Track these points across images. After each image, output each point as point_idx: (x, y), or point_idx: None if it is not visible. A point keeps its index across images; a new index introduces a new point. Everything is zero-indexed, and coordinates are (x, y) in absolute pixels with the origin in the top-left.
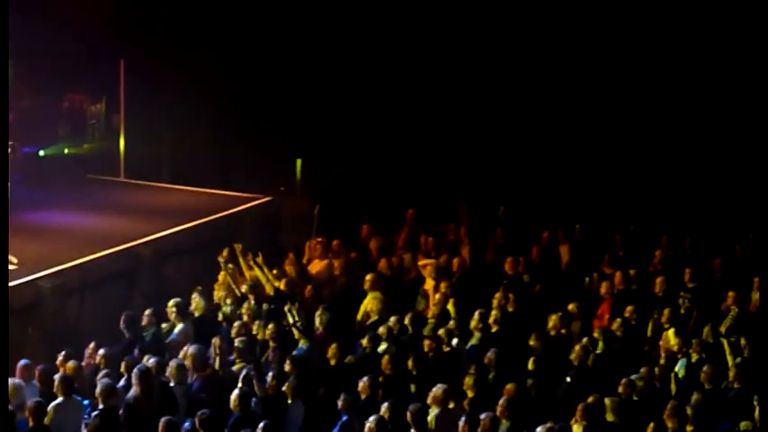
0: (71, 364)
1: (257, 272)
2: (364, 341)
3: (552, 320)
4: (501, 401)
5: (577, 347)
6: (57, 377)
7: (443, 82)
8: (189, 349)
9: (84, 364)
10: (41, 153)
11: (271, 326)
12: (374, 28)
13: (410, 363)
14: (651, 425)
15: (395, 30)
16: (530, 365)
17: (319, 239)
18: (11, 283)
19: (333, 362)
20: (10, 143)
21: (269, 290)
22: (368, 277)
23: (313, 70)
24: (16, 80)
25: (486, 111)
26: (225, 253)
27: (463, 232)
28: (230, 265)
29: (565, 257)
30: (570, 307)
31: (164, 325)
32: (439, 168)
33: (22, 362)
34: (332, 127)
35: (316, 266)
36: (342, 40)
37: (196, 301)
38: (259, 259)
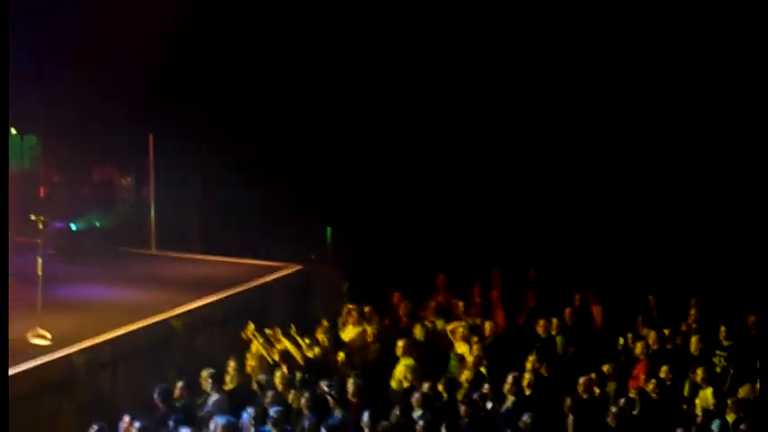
0: None
1: (287, 343)
2: (398, 409)
3: (582, 382)
4: None
5: (614, 409)
6: None
7: (471, 144)
8: (219, 420)
9: None
10: (73, 227)
11: (305, 394)
12: (403, 96)
13: (444, 428)
14: None
15: (424, 99)
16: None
17: (352, 306)
18: (45, 359)
19: (366, 431)
20: (41, 218)
21: (301, 359)
22: (400, 343)
23: (341, 138)
24: (45, 154)
25: (516, 173)
26: (251, 326)
27: (496, 296)
28: (260, 338)
29: (598, 319)
30: (605, 368)
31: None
32: (469, 232)
33: None
34: (361, 194)
35: (348, 333)
36: (369, 108)
37: (231, 372)
38: (292, 330)
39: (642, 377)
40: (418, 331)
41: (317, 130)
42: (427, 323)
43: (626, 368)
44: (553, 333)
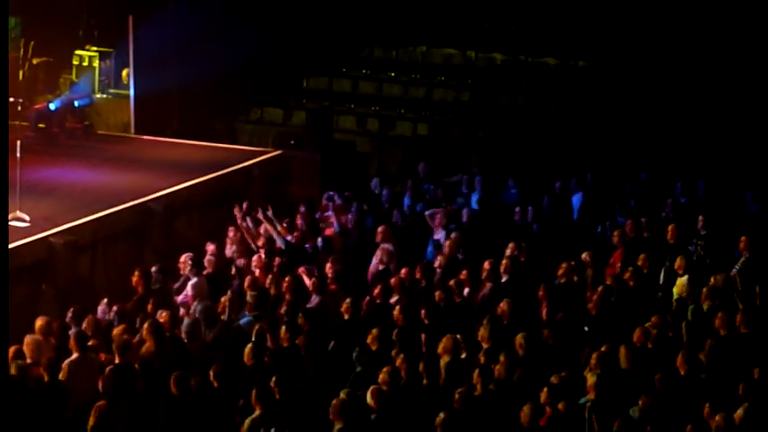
0: (85, 319)
1: (267, 225)
2: (375, 292)
3: (562, 269)
4: (513, 351)
5: (594, 296)
6: (71, 333)
7: None
8: (197, 305)
9: (97, 319)
10: (52, 106)
11: (284, 279)
12: None
13: (422, 313)
14: (663, 372)
15: None
16: (542, 315)
17: (330, 192)
18: (23, 240)
19: (346, 315)
20: (19, 100)
21: (280, 243)
22: (379, 229)
23: (326, 22)
24: (26, 36)
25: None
26: (237, 208)
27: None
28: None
29: (577, 206)
30: (583, 256)
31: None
32: (454, 114)
33: (41, 318)
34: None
35: (327, 219)
36: None
37: (210, 256)
38: (269, 212)
39: (618, 265)
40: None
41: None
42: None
43: (603, 256)
44: (531, 220)
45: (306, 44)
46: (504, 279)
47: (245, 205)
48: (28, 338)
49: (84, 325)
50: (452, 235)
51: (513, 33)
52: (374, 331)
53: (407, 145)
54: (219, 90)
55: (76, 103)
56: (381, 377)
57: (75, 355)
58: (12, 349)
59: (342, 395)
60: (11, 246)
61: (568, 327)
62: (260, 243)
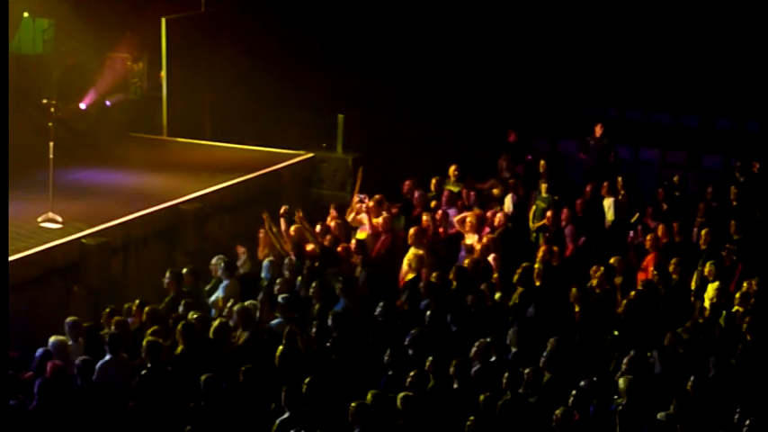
0: (117, 321)
1: (300, 228)
2: (404, 297)
3: (593, 273)
4: (544, 355)
5: (624, 301)
6: (105, 334)
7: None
8: (234, 306)
9: (129, 321)
10: (82, 106)
11: (314, 283)
12: None
13: (453, 317)
14: (695, 377)
15: None
16: (574, 319)
17: (363, 195)
18: (56, 242)
19: (377, 319)
20: (53, 102)
21: (311, 246)
22: (411, 232)
23: (354, 23)
24: (60, 38)
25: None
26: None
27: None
28: (273, 227)
29: (609, 211)
30: (612, 261)
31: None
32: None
33: (70, 319)
34: (373, 82)
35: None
36: None
37: (242, 258)
38: (300, 215)
39: (651, 270)
40: (428, 220)
41: (331, 11)
42: (438, 213)
43: (635, 261)
44: (563, 224)
45: (343, 43)
46: (536, 283)
47: (282, 209)
48: (55, 339)
49: (116, 327)
50: (484, 239)
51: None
52: (405, 335)
53: (439, 147)
54: (253, 92)
55: (108, 103)
56: (410, 380)
57: (108, 357)
58: (43, 350)
59: (369, 397)
60: (43, 247)
61: (599, 331)
62: (286, 246)
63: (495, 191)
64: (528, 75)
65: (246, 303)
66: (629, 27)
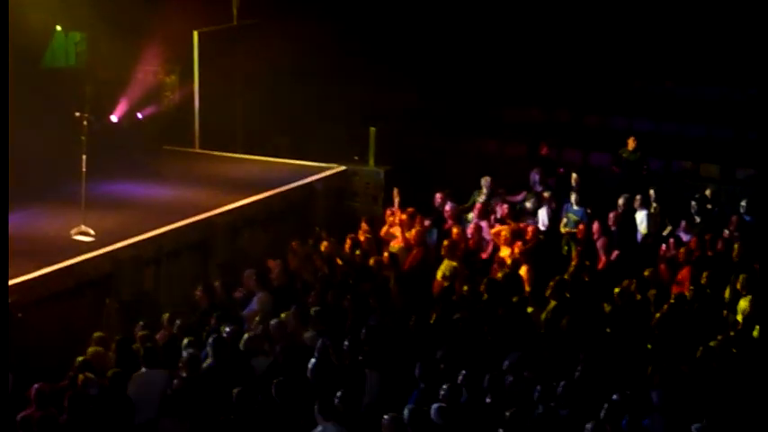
0: (141, 335)
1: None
2: (438, 309)
3: (626, 286)
4: (576, 369)
5: (657, 315)
6: (141, 347)
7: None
8: (264, 320)
9: (160, 334)
10: (114, 118)
11: (346, 296)
12: None
13: (485, 330)
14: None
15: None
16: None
17: (395, 207)
18: (88, 255)
19: (409, 330)
20: (86, 115)
21: (342, 260)
22: (444, 244)
23: (385, 36)
24: (92, 52)
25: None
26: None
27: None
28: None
29: (641, 224)
30: (645, 274)
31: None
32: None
33: (99, 333)
34: (405, 94)
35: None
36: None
37: (275, 271)
38: (331, 233)
39: (686, 283)
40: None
41: (362, 25)
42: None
43: (667, 274)
44: (595, 238)
45: (375, 56)
46: (568, 296)
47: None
48: (93, 351)
49: (150, 340)
50: (516, 252)
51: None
52: (437, 347)
53: (472, 160)
54: (286, 106)
55: (140, 116)
56: (443, 394)
57: (143, 370)
58: (78, 361)
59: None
60: (76, 260)
61: (632, 344)
62: (319, 259)
63: (528, 204)
64: (559, 87)
65: (282, 316)
66: (663, 38)
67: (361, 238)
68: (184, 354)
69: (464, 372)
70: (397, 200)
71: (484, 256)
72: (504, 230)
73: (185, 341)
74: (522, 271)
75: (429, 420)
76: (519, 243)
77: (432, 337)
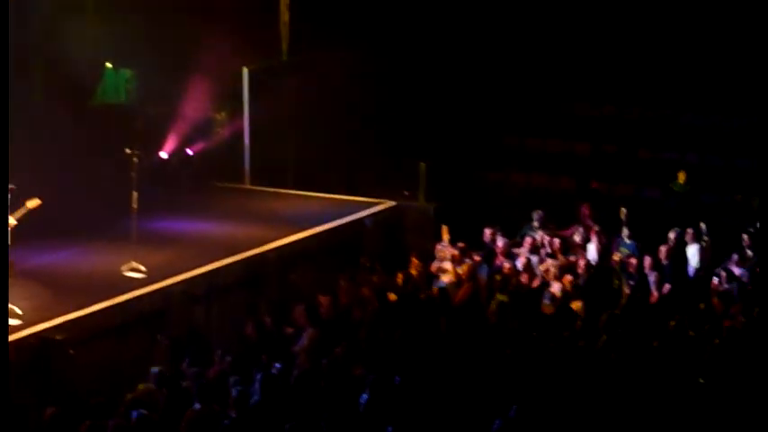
0: (201, 370)
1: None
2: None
3: (678, 320)
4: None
5: (709, 348)
6: (191, 384)
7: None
8: (317, 356)
9: (211, 371)
10: (164, 155)
11: (397, 330)
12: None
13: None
14: None
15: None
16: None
17: (445, 243)
18: (139, 291)
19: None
20: (136, 152)
21: (393, 295)
22: (495, 279)
23: (435, 72)
24: (142, 89)
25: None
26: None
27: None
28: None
29: (693, 258)
30: (699, 307)
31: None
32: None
33: (155, 369)
34: (455, 129)
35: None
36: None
37: (325, 306)
38: (383, 267)
39: (739, 318)
40: (510, 268)
41: (412, 62)
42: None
43: (720, 308)
44: (647, 272)
45: (419, 97)
46: (620, 330)
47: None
48: (143, 387)
49: (202, 377)
50: (567, 286)
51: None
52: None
53: (521, 195)
54: (336, 141)
55: (190, 152)
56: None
57: (194, 406)
58: (128, 398)
59: None
60: (127, 296)
61: (685, 379)
62: (368, 293)
63: (577, 238)
64: (609, 120)
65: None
66: (712, 70)
67: (413, 272)
68: (233, 391)
69: (515, 407)
70: (446, 236)
71: (534, 290)
72: (553, 266)
73: (234, 378)
74: (574, 305)
75: None
76: (569, 277)
77: (481, 373)
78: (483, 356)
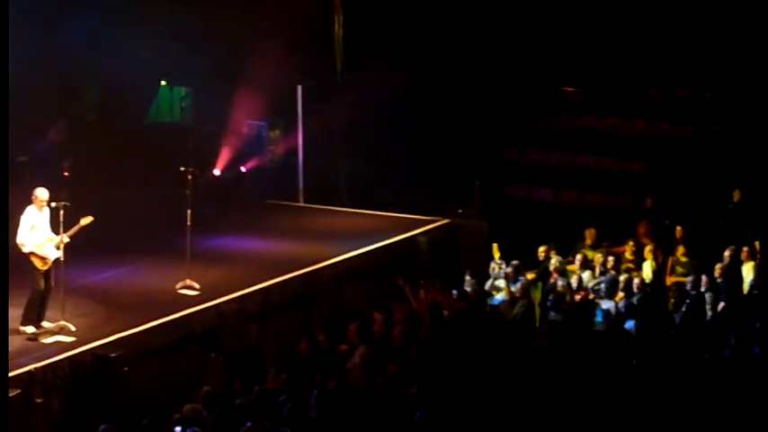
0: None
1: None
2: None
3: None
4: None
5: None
6: (244, 402)
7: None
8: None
9: (265, 387)
10: (217, 172)
11: (451, 348)
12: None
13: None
14: None
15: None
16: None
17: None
18: (193, 309)
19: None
20: (190, 170)
21: (447, 313)
22: (550, 297)
23: (488, 90)
24: (196, 106)
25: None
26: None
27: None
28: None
29: (748, 276)
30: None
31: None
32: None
33: (206, 388)
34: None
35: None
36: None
37: (378, 324)
38: (437, 284)
39: None
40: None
41: (468, 79)
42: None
43: None
44: (702, 290)
45: (471, 113)
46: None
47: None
48: (189, 407)
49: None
50: (620, 304)
51: (682, 102)
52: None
53: (575, 214)
54: (387, 159)
55: (243, 170)
56: None
57: (248, 424)
58: (174, 418)
59: None
60: (181, 314)
61: (740, 399)
62: (421, 310)
63: (631, 255)
64: (662, 138)
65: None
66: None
67: (467, 289)
68: (285, 408)
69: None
70: (497, 254)
71: (587, 308)
72: (604, 282)
73: (286, 396)
74: (627, 324)
75: None
76: (621, 296)
77: (534, 391)
78: (536, 375)
